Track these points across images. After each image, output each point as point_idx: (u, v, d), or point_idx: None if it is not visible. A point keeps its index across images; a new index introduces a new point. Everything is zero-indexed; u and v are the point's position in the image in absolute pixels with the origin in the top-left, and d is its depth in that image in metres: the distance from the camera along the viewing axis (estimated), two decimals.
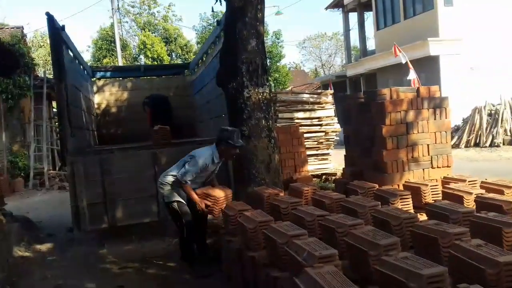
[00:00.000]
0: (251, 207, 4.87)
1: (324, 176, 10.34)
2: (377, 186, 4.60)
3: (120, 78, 10.42)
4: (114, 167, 5.85)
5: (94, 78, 10.09)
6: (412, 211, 4.10)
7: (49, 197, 10.67)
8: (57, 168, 13.10)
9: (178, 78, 10.76)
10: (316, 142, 10.89)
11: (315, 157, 10.83)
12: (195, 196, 4.62)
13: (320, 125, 10.83)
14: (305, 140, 10.66)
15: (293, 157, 8.78)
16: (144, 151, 6.09)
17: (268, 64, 31.03)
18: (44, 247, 6.07)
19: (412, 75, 15.04)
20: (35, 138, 12.72)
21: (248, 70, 5.26)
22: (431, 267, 2.22)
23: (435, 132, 5.10)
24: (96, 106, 9.87)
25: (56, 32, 5.94)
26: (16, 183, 11.60)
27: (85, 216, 5.79)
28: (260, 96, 5.32)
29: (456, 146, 14.69)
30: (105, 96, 10.09)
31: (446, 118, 5.12)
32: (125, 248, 5.77)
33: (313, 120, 10.95)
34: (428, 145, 5.07)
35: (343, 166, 6.12)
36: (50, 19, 5.83)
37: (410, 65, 15.09)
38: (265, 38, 21.77)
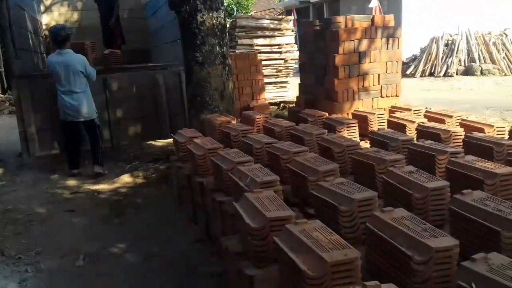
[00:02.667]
0: (203, 134, 4.93)
1: (282, 104, 10.41)
2: (327, 114, 4.70)
3: None
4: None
5: None
6: (357, 139, 4.26)
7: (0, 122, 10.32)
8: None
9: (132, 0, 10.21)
10: (275, 70, 10.84)
11: (274, 85, 10.84)
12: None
13: (280, 52, 10.73)
14: (264, 68, 10.58)
15: (251, 84, 8.73)
16: None
17: None
18: None
19: (374, 3, 14.90)
20: None
21: None
22: (362, 191, 2.34)
23: (386, 62, 5.15)
24: (44, 27, 9.31)
25: None
26: None
27: (34, 142, 5.68)
28: (215, 21, 5.15)
29: (412, 75, 15.00)
30: (54, 16, 9.50)
31: (398, 48, 5.16)
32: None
33: (273, 47, 10.81)
34: (379, 74, 5.15)
35: None
36: None
37: None
38: None
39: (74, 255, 3.53)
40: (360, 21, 5.07)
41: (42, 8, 9.37)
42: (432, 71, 14.93)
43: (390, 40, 5.11)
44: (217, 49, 5.21)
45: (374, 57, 5.08)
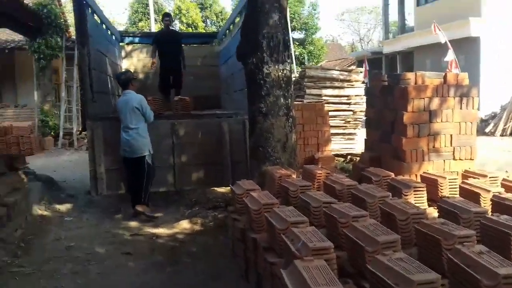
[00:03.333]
0: (263, 186, 4.87)
1: (349, 157, 10.17)
2: (393, 174, 4.47)
3: (149, 44, 10.38)
4: None
5: (123, 43, 10.10)
6: (425, 204, 3.99)
7: (77, 157, 10.93)
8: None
9: (206, 47, 10.67)
10: (343, 121, 10.72)
11: (342, 136, 10.69)
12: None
13: (349, 103, 10.61)
14: (332, 119, 10.49)
15: (317, 135, 8.63)
16: (163, 121, 6.11)
17: (303, 36, 30.50)
18: (63, 207, 6.25)
19: (450, 56, 14.43)
20: (66, 99, 12.98)
21: (269, 46, 5.12)
22: (424, 272, 2.13)
23: (459, 122, 4.87)
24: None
25: None
26: (46, 142, 11.94)
27: (103, 181, 5.92)
28: (280, 73, 5.19)
29: (491, 134, 14.16)
30: (133, 61, 10.11)
31: (472, 108, 4.88)
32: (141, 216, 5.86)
33: (342, 98, 10.73)
34: (451, 135, 4.87)
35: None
36: None
37: (449, 45, 14.47)
38: (301, 9, 21.29)
39: None
40: (431, 79, 4.88)
41: (123, 53, 10.01)
42: None
43: (464, 100, 4.85)
44: (282, 100, 5.22)
45: (446, 116, 4.83)
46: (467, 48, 16.20)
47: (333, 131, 10.42)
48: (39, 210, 5.89)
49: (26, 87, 14.22)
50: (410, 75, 4.88)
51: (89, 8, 6.56)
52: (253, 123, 5.31)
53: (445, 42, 14.58)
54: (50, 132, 12.38)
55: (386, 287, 2.14)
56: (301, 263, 2.31)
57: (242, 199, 3.96)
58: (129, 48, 10.27)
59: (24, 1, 6.41)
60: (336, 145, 10.38)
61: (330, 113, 10.43)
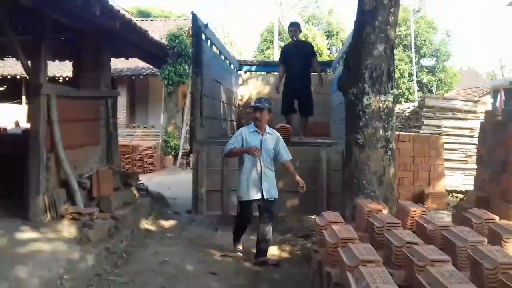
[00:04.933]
0: (354, 219, 4.72)
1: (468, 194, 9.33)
2: (497, 218, 4.00)
3: (264, 73, 10.80)
4: (232, 160, 6.13)
5: (241, 71, 10.63)
6: None
7: (191, 177, 11.61)
8: None
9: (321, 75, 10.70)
10: (464, 155, 9.94)
11: (461, 171, 9.89)
12: (243, 149, 5.01)
13: (471, 136, 9.81)
14: (451, 151, 9.79)
15: (428, 169, 8.13)
16: None
17: (434, 63, 29.03)
18: (167, 223, 6.70)
19: None
20: (188, 122, 14.00)
21: (371, 76, 4.99)
22: None
23: None
24: (239, 97, 10.41)
25: (197, 30, 6.42)
26: (166, 160, 12.98)
27: (203, 202, 6.21)
28: (381, 104, 5.01)
29: None
30: (249, 89, 10.57)
31: None
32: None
33: (464, 130, 9.98)
34: None
35: None
36: (194, 18, 6.34)
37: None
38: (433, 35, 20.35)
39: None
40: None
41: (240, 81, 10.52)
42: None
43: None
44: (381, 132, 5.02)
45: None
46: None
47: (452, 165, 9.71)
48: (146, 224, 6.39)
49: (155, 110, 15.67)
50: None
51: (208, 41, 7.06)
52: (349, 154, 5.18)
53: None
54: (171, 152, 13.44)
55: None
56: None
57: (322, 231, 3.87)
58: (245, 76, 10.77)
59: (153, 36, 7.07)
60: (455, 181, 9.63)
61: (450, 146, 9.76)
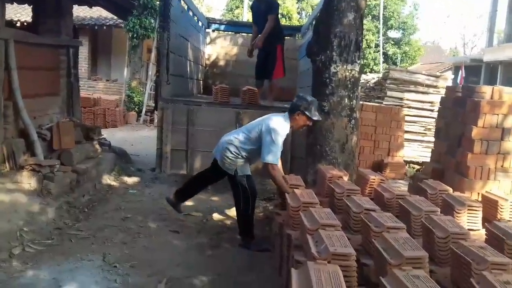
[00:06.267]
0: (316, 184, 4.85)
1: (424, 166, 9.72)
2: (451, 190, 4.22)
3: (233, 33, 10.63)
4: (198, 119, 6.11)
5: (209, 30, 10.42)
6: (479, 225, 3.74)
7: (155, 134, 11.47)
8: None
9: (289, 40, 10.65)
10: (423, 128, 10.25)
11: (420, 143, 10.23)
12: (288, 189, 4.13)
13: (432, 110, 10.11)
14: (412, 124, 10.08)
15: (389, 139, 8.38)
16: (228, 109, 6.26)
17: (400, 36, 29.33)
18: (130, 180, 6.67)
19: None
20: (152, 78, 13.69)
21: (340, 45, 5.02)
22: None
23: None
24: (206, 57, 10.25)
25: None
26: (129, 116, 12.75)
27: (167, 160, 6.20)
28: (348, 73, 5.08)
29: None
30: (216, 48, 10.41)
31: None
32: (198, 196, 6.08)
33: (425, 104, 10.26)
34: None
35: None
36: None
37: None
38: (401, 8, 20.43)
39: (160, 277, 3.70)
40: (510, 95, 4.51)
41: (208, 39, 10.34)
42: None
43: None
44: (346, 101, 5.11)
45: None
46: None
47: (411, 137, 10.02)
48: (108, 179, 6.34)
49: (119, 63, 15.21)
50: (486, 89, 4.56)
51: None
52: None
53: None
54: (134, 108, 13.18)
55: None
56: (314, 265, 2.30)
57: (285, 194, 3.97)
58: (214, 34, 10.58)
59: None
60: (413, 152, 9.97)
61: (411, 119, 10.05)
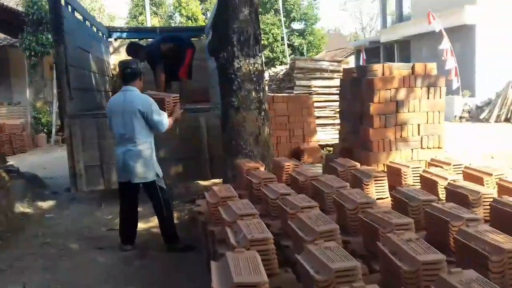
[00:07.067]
0: (236, 179, 4.94)
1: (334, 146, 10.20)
2: (358, 165, 4.51)
3: (137, 39, 10.42)
4: (110, 132, 5.94)
5: (111, 39, 10.15)
6: (386, 194, 4.03)
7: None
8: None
9: (195, 41, 10.66)
10: (333, 112, 10.72)
11: (332, 127, 10.69)
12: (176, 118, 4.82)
13: (338, 94, 10.58)
14: (322, 109, 10.53)
15: (302, 126, 8.71)
16: None
17: (303, 27, 30.41)
18: (46, 204, 6.38)
19: (446, 44, 14.44)
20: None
21: (239, 40, 5.15)
22: (343, 261, 2.19)
23: (427, 112, 4.91)
24: (112, 67, 9.98)
25: None
26: (39, 138, 12.09)
27: (82, 177, 5.98)
28: (251, 67, 5.22)
29: (485, 120, 14.16)
30: (121, 57, 10.12)
31: (440, 97, 4.91)
32: (114, 209, 5.93)
33: (332, 89, 10.73)
34: (418, 125, 4.90)
35: None
36: None
37: (444, 34, 14.46)
38: (301, 0, 21.06)
39: None
40: (399, 69, 4.90)
41: (111, 49, 10.07)
42: (508, 116, 13.99)
43: (432, 90, 4.88)
44: (253, 94, 5.25)
45: (413, 106, 4.86)
46: (463, 36, 16.14)
47: (323, 122, 10.47)
48: (21, 207, 6.01)
49: (20, 85, 14.31)
50: (377, 67, 4.91)
51: (68, 6, 6.60)
52: (225, 117, 5.36)
53: (440, 30, 14.54)
54: (43, 129, 12.51)
55: (306, 276, 2.20)
56: (232, 254, 2.37)
57: (204, 193, 4.03)
58: (116, 43, 10.32)
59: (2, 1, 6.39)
60: (326, 136, 10.42)
61: (320, 104, 10.50)
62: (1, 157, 6.49)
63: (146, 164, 4.42)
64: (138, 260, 4.28)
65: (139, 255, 4.40)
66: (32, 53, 12.25)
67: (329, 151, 10.00)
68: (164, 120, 4.46)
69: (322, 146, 9.56)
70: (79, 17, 7.46)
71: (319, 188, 3.82)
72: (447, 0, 16.55)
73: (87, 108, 6.85)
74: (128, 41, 10.38)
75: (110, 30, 10.16)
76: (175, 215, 5.55)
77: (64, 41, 5.90)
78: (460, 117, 14.92)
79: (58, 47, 5.87)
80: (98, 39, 8.93)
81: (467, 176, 3.97)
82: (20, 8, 12.04)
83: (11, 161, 7.95)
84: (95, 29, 8.70)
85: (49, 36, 12.51)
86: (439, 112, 4.93)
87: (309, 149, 8.52)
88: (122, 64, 4.64)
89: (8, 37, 13.67)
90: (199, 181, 7.00)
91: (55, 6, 5.95)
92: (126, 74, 4.48)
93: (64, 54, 5.86)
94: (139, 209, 5.46)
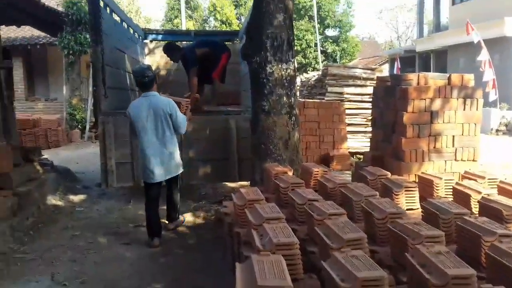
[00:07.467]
0: (264, 183, 4.95)
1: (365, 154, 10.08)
2: (389, 174, 4.43)
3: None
4: None
5: (147, 40, 10.33)
6: (417, 205, 3.95)
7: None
8: None
9: (229, 45, 10.74)
10: (365, 119, 10.62)
11: (363, 135, 10.58)
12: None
13: (371, 102, 10.47)
14: (353, 117, 10.44)
15: (332, 133, 8.65)
16: None
17: (337, 33, 30.21)
18: (77, 198, 6.52)
19: (484, 56, 14.06)
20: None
21: (273, 45, 5.16)
22: (369, 270, 2.15)
23: (462, 124, 4.79)
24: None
25: None
26: (73, 134, 12.40)
27: (113, 174, 6.09)
28: (283, 72, 5.22)
29: None
30: (156, 58, 10.32)
31: (476, 109, 4.78)
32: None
33: (364, 96, 10.63)
34: (453, 136, 4.78)
35: None
36: None
37: (483, 45, 14.09)
38: (335, 7, 21.06)
39: None
40: (435, 80, 4.81)
41: (146, 50, 10.25)
42: None
43: (468, 101, 4.75)
44: (284, 99, 5.25)
45: (448, 117, 4.75)
46: (502, 48, 15.72)
47: (354, 129, 10.38)
48: (53, 200, 6.16)
49: (57, 82, 14.77)
50: (413, 76, 4.83)
51: (107, 8, 6.76)
52: (255, 121, 5.37)
53: (478, 41, 14.20)
54: (78, 125, 12.84)
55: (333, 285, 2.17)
56: (257, 257, 2.37)
57: (231, 194, 4.04)
58: (152, 45, 10.50)
59: (43, 1, 6.61)
60: (357, 143, 10.32)
61: (352, 112, 10.40)
62: (37, 150, 6.67)
63: (178, 161, 4.92)
64: (163, 258, 4.33)
65: (164, 253, 4.45)
66: (70, 52, 12.63)
67: (359, 158, 9.89)
68: (184, 121, 4.91)
69: (352, 154, 9.47)
70: (117, 18, 7.63)
71: (348, 196, 3.77)
72: (487, 11, 16.16)
73: (120, 107, 6.97)
74: (163, 43, 10.55)
75: (146, 32, 10.34)
76: (202, 214, 5.61)
77: (102, 41, 6.05)
78: (497, 130, 14.51)
79: (95, 47, 6.01)
80: (134, 40, 9.11)
81: (502, 191, 3.84)
82: (60, 9, 12.42)
83: (46, 154, 8.18)
84: (131, 31, 8.88)
85: (87, 36, 12.88)
86: (475, 124, 4.81)
87: (338, 156, 8.45)
88: (138, 74, 4.81)
89: (48, 35, 14.11)
90: (227, 183, 7.03)
91: (94, 7, 6.11)
92: (146, 82, 4.75)
93: (101, 54, 6.00)
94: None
